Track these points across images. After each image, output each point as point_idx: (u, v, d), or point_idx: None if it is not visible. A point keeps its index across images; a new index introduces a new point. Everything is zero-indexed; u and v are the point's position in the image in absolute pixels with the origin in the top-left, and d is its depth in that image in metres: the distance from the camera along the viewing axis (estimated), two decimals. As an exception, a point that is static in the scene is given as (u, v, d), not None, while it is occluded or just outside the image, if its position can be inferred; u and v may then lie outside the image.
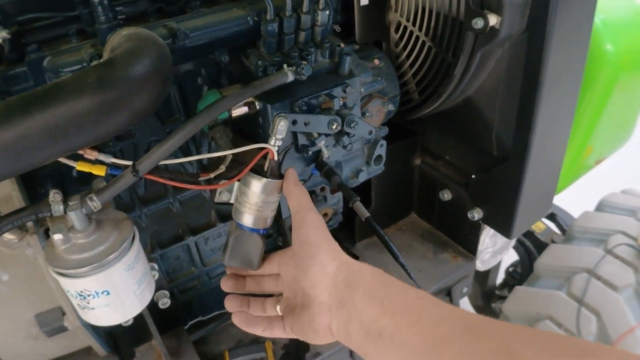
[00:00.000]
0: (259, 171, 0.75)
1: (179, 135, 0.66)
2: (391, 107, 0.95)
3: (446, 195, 1.16)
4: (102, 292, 0.69)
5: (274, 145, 0.73)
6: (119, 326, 0.98)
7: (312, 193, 1.06)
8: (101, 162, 0.70)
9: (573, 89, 0.95)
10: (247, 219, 0.77)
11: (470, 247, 1.19)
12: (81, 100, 0.56)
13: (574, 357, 0.39)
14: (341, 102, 0.83)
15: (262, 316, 0.71)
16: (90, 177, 0.87)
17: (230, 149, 0.75)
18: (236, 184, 0.79)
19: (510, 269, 1.80)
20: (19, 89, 0.75)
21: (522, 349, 0.41)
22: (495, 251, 1.28)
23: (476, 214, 1.07)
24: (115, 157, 0.70)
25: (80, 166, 0.70)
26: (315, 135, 0.82)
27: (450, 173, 1.15)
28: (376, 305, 0.54)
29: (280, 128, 0.72)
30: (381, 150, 0.96)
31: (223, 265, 1.07)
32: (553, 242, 1.52)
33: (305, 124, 0.79)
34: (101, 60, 0.64)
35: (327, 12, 0.81)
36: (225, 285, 0.75)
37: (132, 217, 0.92)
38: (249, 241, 0.78)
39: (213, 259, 1.04)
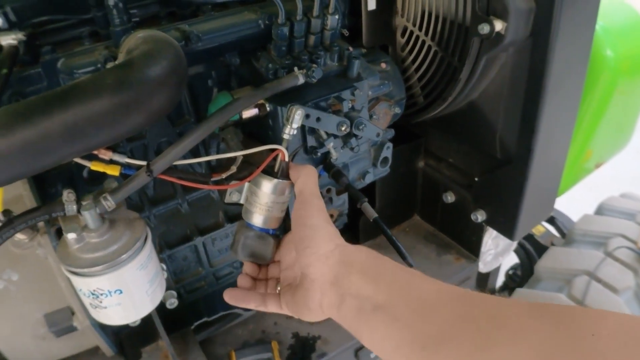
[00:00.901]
0: (269, 172, 0.76)
1: (193, 136, 0.67)
2: (397, 110, 0.96)
3: (449, 198, 1.17)
4: (115, 291, 0.70)
5: (288, 134, 0.73)
6: (126, 326, 0.98)
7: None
8: (115, 162, 0.71)
9: (575, 93, 0.96)
10: (257, 219, 0.78)
11: (473, 249, 1.20)
12: (100, 101, 0.57)
13: (554, 322, 0.41)
14: (350, 105, 0.84)
15: (258, 292, 0.72)
16: (99, 177, 0.88)
17: (241, 150, 0.76)
18: (246, 184, 0.80)
19: (510, 272, 1.81)
20: (33, 90, 0.76)
21: (504, 315, 0.44)
22: (498, 253, 1.30)
23: (479, 216, 1.09)
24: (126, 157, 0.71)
25: (95, 166, 0.71)
26: (324, 136, 0.84)
27: (454, 175, 1.16)
28: (370, 283, 0.55)
29: (297, 117, 0.72)
30: (387, 152, 0.97)
31: (230, 266, 1.08)
32: (553, 245, 1.54)
33: (317, 120, 0.80)
34: (119, 62, 0.65)
35: (337, 17, 0.82)
36: (242, 281, 0.76)
37: (142, 218, 0.93)
38: (259, 240, 0.79)
39: (220, 259, 1.05)
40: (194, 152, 0.95)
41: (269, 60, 0.83)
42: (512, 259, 1.73)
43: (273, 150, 0.75)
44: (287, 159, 0.76)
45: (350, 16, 0.99)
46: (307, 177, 0.70)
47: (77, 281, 0.69)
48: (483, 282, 1.73)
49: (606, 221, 1.46)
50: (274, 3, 0.76)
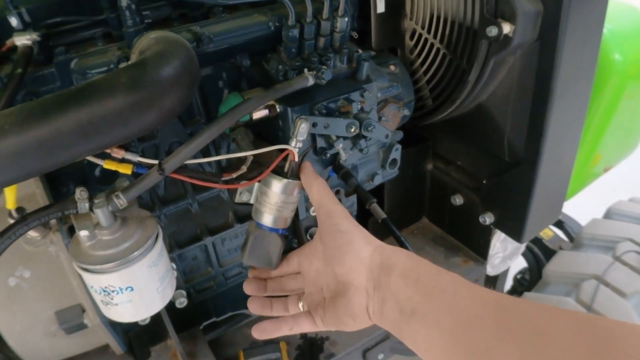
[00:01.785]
0: (279, 172, 0.77)
1: (204, 136, 0.68)
2: (406, 112, 0.97)
3: (457, 200, 1.18)
4: (126, 289, 0.70)
5: (294, 147, 0.75)
6: (135, 325, 0.99)
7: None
8: (127, 161, 0.72)
9: (583, 96, 0.97)
10: (267, 219, 0.79)
11: (481, 252, 1.20)
12: (114, 100, 0.58)
13: (600, 340, 0.40)
14: (359, 107, 0.85)
15: (286, 316, 0.71)
16: (111, 177, 0.89)
17: (252, 150, 0.77)
18: (256, 184, 0.81)
19: (519, 276, 1.81)
20: (47, 90, 0.77)
21: (550, 328, 0.42)
22: (506, 256, 1.30)
23: (487, 219, 1.09)
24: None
25: (107, 164, 0.72)
26: (334, 138, 0.84)
27: (462, 178, 1.17)
28: (410, 285, 0.55)
29: (302, 130, 0.74)
30: (396, 154, 0.98)
31: (239, 266, 1.08)
32: (561, 249, 1.53)
33: (325, 127, 0.81)
34: (132, 62, 0.66)
35: (346, 19, 0.83)
36: (248, 288, 0.76)
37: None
38: (269, 241, 0.80)
39: (229, 259, 1.05)
40: (204, 153, 0.96)
41: (279, 62, 0.84)
42: (520, 263, 1.73)
43: (283, 150, 0.76)
44: (296, 159, 0.77)
45: (360, 19, 1.00)
46: (322, 189, 0.70)
47: (88, 278, 0.70)
48: (491, 285, 1.72)
49: (615, 225, 1.46)
50: (284, 5, 0.77)
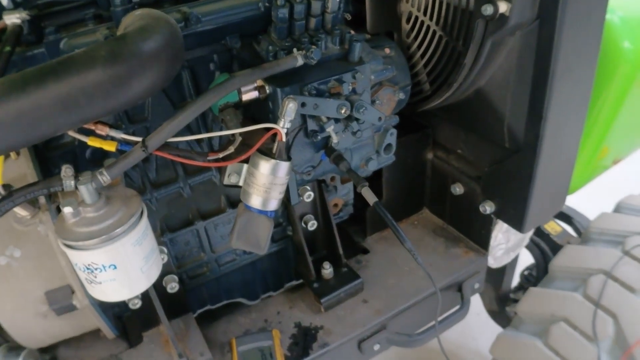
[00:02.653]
0: (267, 153, 0.76)
1: (188, 112, 0.68)
2: (402, 95, 0.95)
3: (458, 189, 1.15)
4: (110, 266, 0.70)
5: (282, 127, 0.74)
6: (127, 310, 0.99)
7: (322, 182, 1.07)
8: (112, 138, 0.72)
9: (586, 78, 0.93)
10: (256, 201, 0.78)
11: (482, 242, 1.17)
12: (93, 72, 0.58)
13: None
14: (350, 88, 0.83)
15: None
16: (102, 158, 0.89)
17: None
18: (245, 166, 0.80)
19: (526, 272, 1.76)
20: (37, 70, 0.77)
21: None
22: (509, 248, 1.26)
23: (488, 207, 1.06)
24: (127, 138, 0.71)
25: (92, 141, 0.72)
26: (325, 120, 0.83)
27: (462, 166, 1.14)
28: None
29: (289, 109, 0.73)
30: (391, 138, 0.96)
31: (233, 252, 1.08)
32: (569, 244, 1.49)
33: (315, 107, 0.79)
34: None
35: (337, 0, 0.82)
36: None
37: (144, 201, 0.93)
38: (257, 223, 0.79)
39: (222, 245, 1.04)
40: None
41: (270, 43, 0.83)
42: (527, 259, 1.69)
43: (269, 129, 0.75)
44: (284, 139, 0.76)
45: (355, 2, 0.98)
46: None
47: (72, 255, 0.70)
48: (497, 282, 1.69)
49: (624, 219, 1.41)
50: (274, -16, 0.77)
